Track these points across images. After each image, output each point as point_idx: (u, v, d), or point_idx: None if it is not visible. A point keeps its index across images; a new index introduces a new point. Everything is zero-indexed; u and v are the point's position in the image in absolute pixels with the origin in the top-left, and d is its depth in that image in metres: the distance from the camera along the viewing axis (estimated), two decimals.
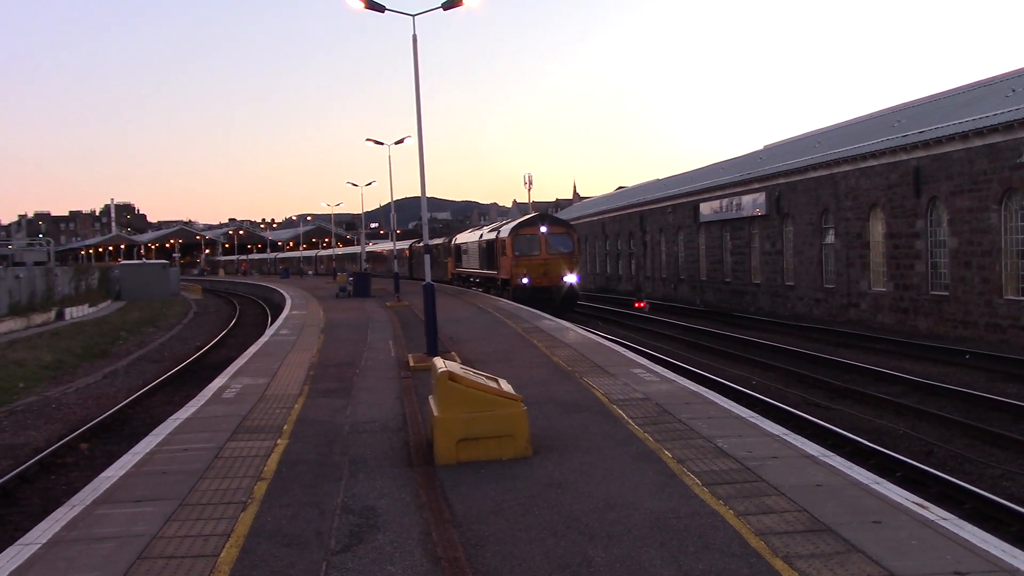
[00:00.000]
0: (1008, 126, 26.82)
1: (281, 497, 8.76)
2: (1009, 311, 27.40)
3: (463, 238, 53.74)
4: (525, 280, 37.43)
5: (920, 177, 31.37)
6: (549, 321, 26.39)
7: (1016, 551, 6.79)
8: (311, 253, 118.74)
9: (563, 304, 37.06)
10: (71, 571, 6.89)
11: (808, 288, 39.42)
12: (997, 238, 27.85)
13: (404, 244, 74.35)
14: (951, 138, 29.43)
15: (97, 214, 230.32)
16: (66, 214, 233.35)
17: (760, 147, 56.43)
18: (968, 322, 29.11)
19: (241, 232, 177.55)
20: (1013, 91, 30.17)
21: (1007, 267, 27.71)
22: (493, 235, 42.61)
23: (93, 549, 7.34)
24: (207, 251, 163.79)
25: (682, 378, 15.46)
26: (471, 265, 49.32)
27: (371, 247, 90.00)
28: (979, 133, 28.17)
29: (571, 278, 37.73)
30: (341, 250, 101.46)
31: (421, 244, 62.59)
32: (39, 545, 7.48)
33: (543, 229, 38.34)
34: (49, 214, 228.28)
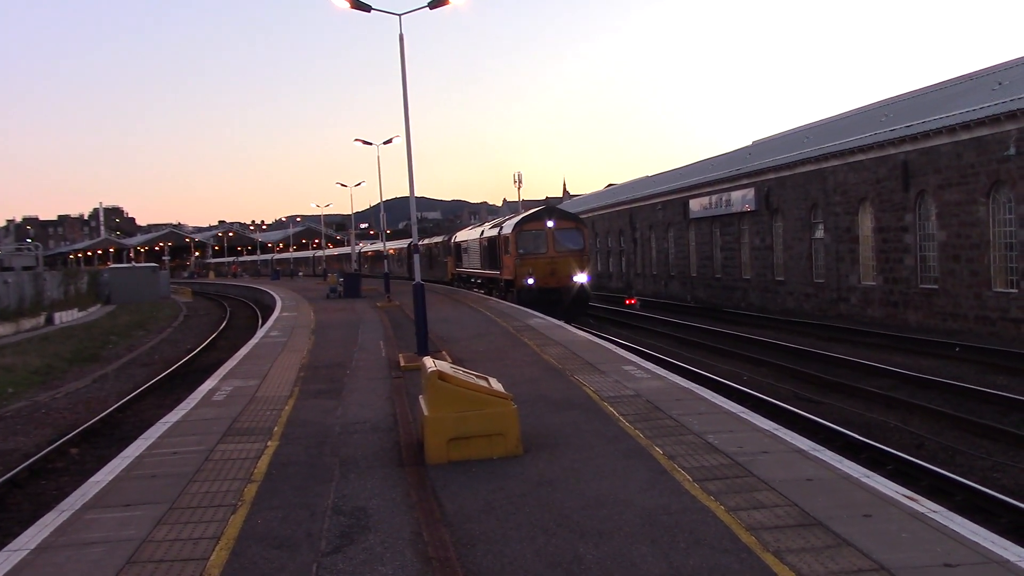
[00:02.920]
0: (995, 119, 26.92)
1: (271, 499, 8.73)
2: (998, 303, 27.50)
3: (463, 235, 50.38)
4: (530, 280, 34.00)
5: (908, 171, 31.47)
6: (540, 320, 26.38)
7: (1006, 542, 6.82)
8: (308, 254, 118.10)
9: (572, 307, 34.11)
10: None
11: (798, 283, 39.51)
12: (985, 231, 27.95)
13: (403, 243, 73.35)
14: (939, 132, 29.52)
15: (86, 218, 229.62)
16: (54, 218, 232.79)
17: (749, 143, 56.53)
18: (957, 315, 29.21)
19: (231, 234, 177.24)
20: (1000, 84, 30.27)
21: (995, 260, 27.81)
22: (495, 231, 38.83)
23: (82, 554, 7.30)
24: (197, 253, 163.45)
25: (673, 374, 15.48)
26: (472, 265, 46.08)
27: (370, 246, 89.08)
28: (966, 127, 28.26)
29: (581, 278, 34.33)
30: (338, 250, 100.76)
31: (423, 243, 62.07)
32: (28, 551, 7.44)
33: (550, 224, 34.78)
34: (37, 218, 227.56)
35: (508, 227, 36.26)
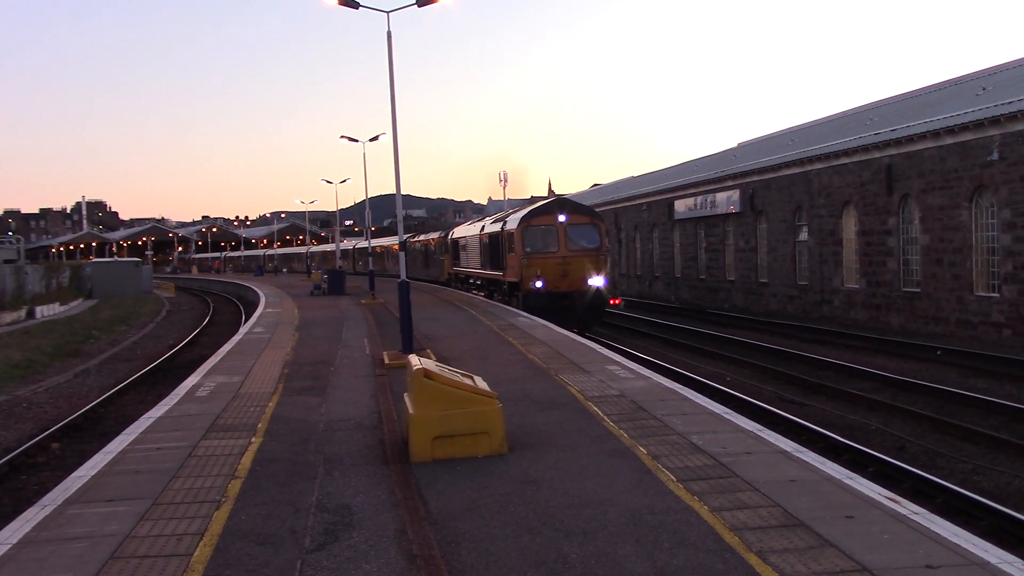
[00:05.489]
0: (978, 124, 27.11)
1: (255, 496, 8.70)
2: (979, 307, 27.70)
3: (462, 231, 45.63)
4: (539, 283, 29.57)
5: (892, 175, 31.64)
6: (525, 319, 26.37)
7: (987, 544, 6.88)
8: (302, 250, 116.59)
9: (587, 314, 29.82)
10: (43, 571, 6.82)
11: (782, 285, 39.67)
12: (968, 235, 28.15)
13: (392, 240, 71.98)
14: (923, 136, 29.71)
15: (68, 211, 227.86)
16: (36, 211, 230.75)
17: (734, 145, 56.78)
18: (939, 318, 29.40)
19: (215, 229, 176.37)
20: (984, 89, 30.49)
21: (977, 264, 28.01)
22: (498, 227, 34.21)
23: (65, 549, 7.26)
24: (180, 249, 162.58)
25: (657, 375, 15.51)
26: (471, 264, 41.19)
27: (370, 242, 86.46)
28: (950, 131, 28.45)
29: (597, 280, 29.76)
30: (333, 246, 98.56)
31: (418, 240, 60.93)
32: (9, 546, 7.39)
33: (561, 218, 30.24)
34: (19, 211, 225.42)
35: (513, 222, 31.91)
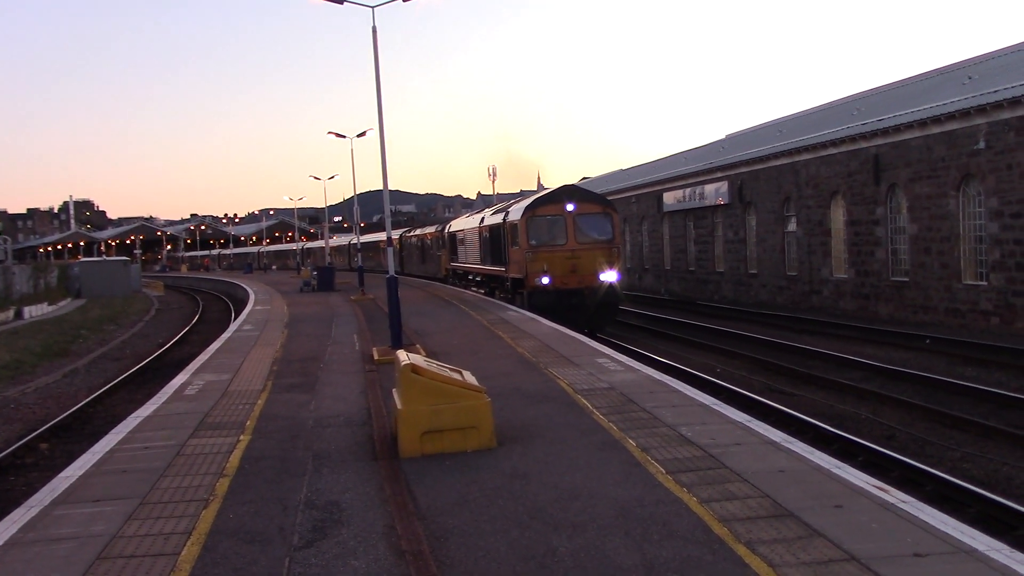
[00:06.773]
0: (965, 113, 27.16)
1: (244, 493, 8.67)
2: (968, 296, 27.79)
3: (460, 224, 42.49)
4: (545, 280, 26.99)
5: (880, 164, 31.70)
6: (514, 312, 26.34)
7: (974, 532, 6.89)
8: (295, 246, 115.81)
9: (599, 313, 27.47)
10: (29, 572, 6.78)
11: (771, 276, 39.74)
12: (955, 224, 28.22)
13: (379, 236, 71.44)
14: (909, 126, 29.76)
15: (56, 211, 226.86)
16: (23, 211, 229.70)
17: (722, 136, 56.77)
18: (928, 307, 29.49)
19: (203, 227, 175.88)
20: (970, 78, 30.54)
21: (965, 252, 28.09)
22: (499, 218, 31.60)
23: (52, 550, 7.23)
24: (168, 247, 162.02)
25: (646, 367, 15.52)
26: (470, 259, 38.61)
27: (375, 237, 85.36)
28: (937, 120, 28.49)
29: (610, 276, 27.17)
30: (328, 241, 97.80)
31: (414, 234, 60.40)
32: None
33: (570, 207, 27.49)
34: (6, 212, 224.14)
35: (516, 212, 29.17)
